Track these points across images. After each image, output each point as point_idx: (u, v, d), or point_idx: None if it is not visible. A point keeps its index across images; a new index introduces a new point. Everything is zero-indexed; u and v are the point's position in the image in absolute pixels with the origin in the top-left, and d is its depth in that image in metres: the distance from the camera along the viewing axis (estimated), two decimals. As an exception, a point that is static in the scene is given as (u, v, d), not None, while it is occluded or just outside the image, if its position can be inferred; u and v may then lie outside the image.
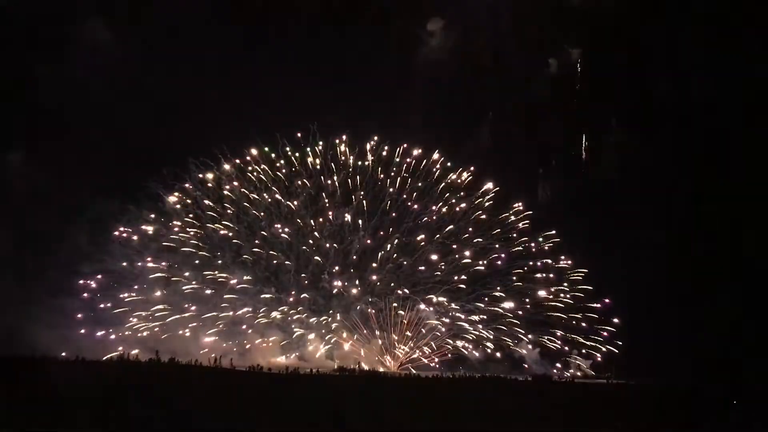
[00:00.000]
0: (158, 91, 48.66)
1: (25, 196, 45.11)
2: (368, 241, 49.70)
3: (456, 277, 48.66)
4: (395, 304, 48.09)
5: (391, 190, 50.53)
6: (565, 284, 48.61)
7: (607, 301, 47.55)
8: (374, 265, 49.30)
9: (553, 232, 49.28)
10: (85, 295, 46.40)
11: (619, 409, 36.61)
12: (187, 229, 48.89)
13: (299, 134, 50.95)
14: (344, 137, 51.31)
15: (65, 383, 31.96)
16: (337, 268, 49.14)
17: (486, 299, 48.29)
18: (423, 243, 49.44)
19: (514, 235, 49.76)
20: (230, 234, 49.09)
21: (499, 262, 49.16)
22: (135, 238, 47.79)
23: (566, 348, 47.71)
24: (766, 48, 41.15)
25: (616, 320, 47.39)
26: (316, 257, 49.22)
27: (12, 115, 47.19)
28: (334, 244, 49.67)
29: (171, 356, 40.52)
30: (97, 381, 33.28)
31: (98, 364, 39.33)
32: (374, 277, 48.89)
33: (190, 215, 49.24)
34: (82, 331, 45.35)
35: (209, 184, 49.80)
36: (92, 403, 31.11)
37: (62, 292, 45.37)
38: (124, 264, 47.01)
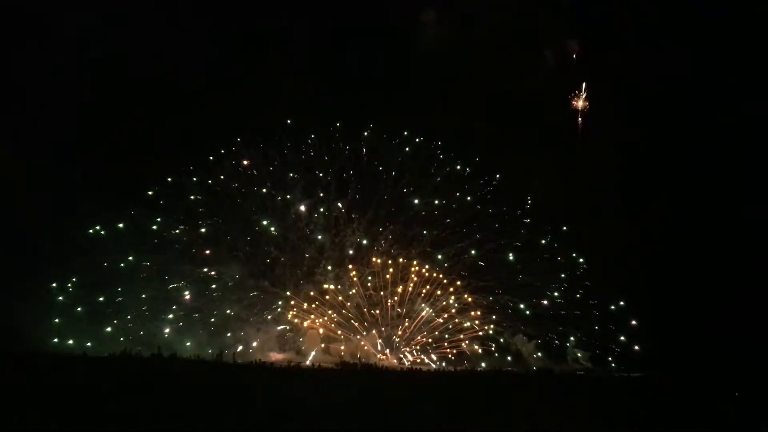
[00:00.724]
0: (149, 83, 47.96)
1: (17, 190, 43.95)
2: (364, 241, 49.25)
3: (455, 271, 48.44)
4: (392, 299, 47.83)
5: (388, 183, 50.17)
6: (566, 279, 48.50)
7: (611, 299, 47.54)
8: (375, 258, 48.88)
9: (563, 228, 49.04)
10: (59, 298, 44.78)
11: (621, 401, 36.89)
12: (180, 225, 47.64)
13: (289, 121, 50.33)
14: (338, 125, 50.58)
15: (65, 379, 31.38)
16: (329, 267, 48.69)
17: (491, 298, 48.11)
18: (421, 237, 49.17)
19: (523, 231, 49.50)
20: (218, 228, 48.10)
21: (512, 262, 48.86)
22: (127, 233, 46.26)
23: (566, 342, 47.78)
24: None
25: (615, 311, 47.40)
26: (307, 254, 48.65)
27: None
28: (329, 238, 49.27)
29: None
30: (98, 377, 32.73)
31: (100, 359, 38.56)
32: (370, 275, 48.53)
33: (183, 209, 47.93)
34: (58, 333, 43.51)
35: (195, 178, 48.45)
36: (94, 399, 30.40)
37: (54, 290, 44.36)
38: (109, 262, 45.27)
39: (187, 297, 46.18)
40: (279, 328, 47.36)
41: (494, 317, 47.89)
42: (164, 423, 28.66)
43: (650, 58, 44.76)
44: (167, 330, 44.96)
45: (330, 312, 47.84)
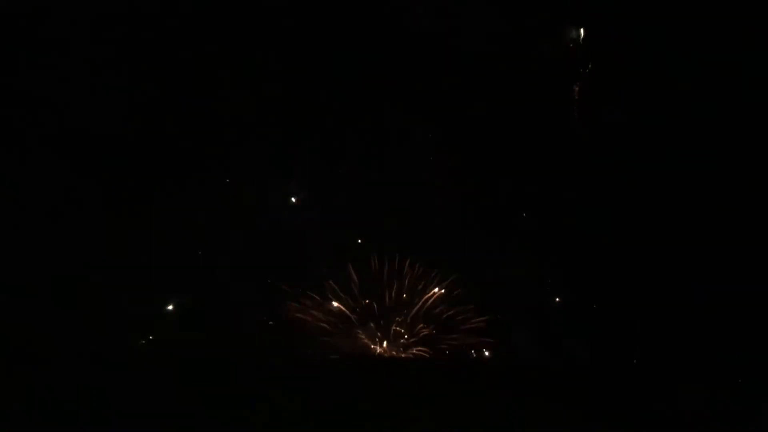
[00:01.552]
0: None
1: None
2: (360, 238, 49.16)
3: (453, 265, 47.83)
4: (390, 291, 47.49)
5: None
6: (565, 275, 48.33)
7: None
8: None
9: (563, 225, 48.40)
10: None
11: (620, 399, 37.08)
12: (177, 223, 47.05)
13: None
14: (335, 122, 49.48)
15: (67, 378, 31.53)
16: (326, 261, 48.12)
17: (490, 292, 47.66)
18: (417, 231, 48.79)
19: (520, 226, 49.21)
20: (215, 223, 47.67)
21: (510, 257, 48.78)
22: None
23: (564, 338, 47.26)
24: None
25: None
26: (303, 249, 48.15)
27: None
28: (325, 233, 49.32)
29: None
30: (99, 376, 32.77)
31: (101, 358, 38.51)
32: (367, 267, 47.83)
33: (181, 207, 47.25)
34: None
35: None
36: (94, 399, 30.49)
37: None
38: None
39: (186, 293, 46.47)
40: (277, 322, 47.37)
41: (493, 311, 47.72)
42: (163, 422, 28.89)
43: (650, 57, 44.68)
44: (165, 326, 45.27)
45: (327, 305, 47.81)
